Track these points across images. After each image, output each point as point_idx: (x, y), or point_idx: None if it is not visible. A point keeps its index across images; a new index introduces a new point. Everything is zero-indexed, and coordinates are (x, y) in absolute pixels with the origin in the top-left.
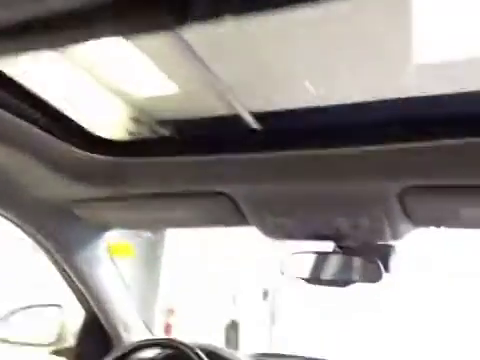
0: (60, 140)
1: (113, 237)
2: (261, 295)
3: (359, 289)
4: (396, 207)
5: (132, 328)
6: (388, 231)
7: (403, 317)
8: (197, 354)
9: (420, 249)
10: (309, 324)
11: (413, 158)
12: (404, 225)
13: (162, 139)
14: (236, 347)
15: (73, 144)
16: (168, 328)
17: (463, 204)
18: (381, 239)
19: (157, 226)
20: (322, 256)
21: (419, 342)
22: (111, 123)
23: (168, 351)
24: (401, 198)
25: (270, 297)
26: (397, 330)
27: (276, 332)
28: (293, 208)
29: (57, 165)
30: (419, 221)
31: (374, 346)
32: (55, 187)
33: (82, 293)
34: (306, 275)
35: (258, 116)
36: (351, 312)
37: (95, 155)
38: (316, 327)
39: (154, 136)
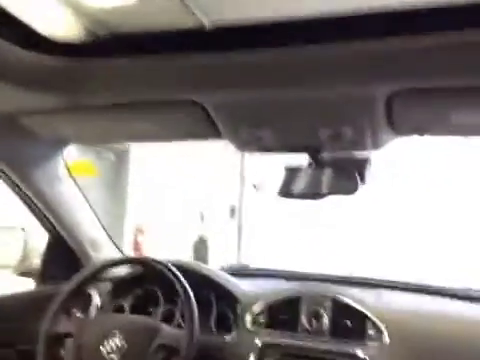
0: (1, 39)
1: (73, 156)
2: (228, 212)
3: (323, 204)
4: (381, 114)
5: (100, 247)
6: (369, 141)
7: (368, 228)
8: (170, 270)
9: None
10: (276, 239)
11: (403, 57)
12: (386, 134)
13: (121, 40)
14: (205, 263)
15: (18, 44)
16: (137, 246)
17: (454, 108)
18: (361, 149)
19: (120, 140)
20: (296, 169)
21: (380, 253)
22: (61, 31)
23: (140, 269)
24: (389, 104)
25: (237, 213)
26: (363, 240)
27: (244, 247)
28: (269, 118)
29: (1, 69)
30: (403, 129)
31: (338, 257)
32: (0, 96)
33: (44, 214)
34: (279, 188)
35: (222, 23)
36: (315, 227)
37: (45, 57)
38: (284, 241)
39: (111, 37)
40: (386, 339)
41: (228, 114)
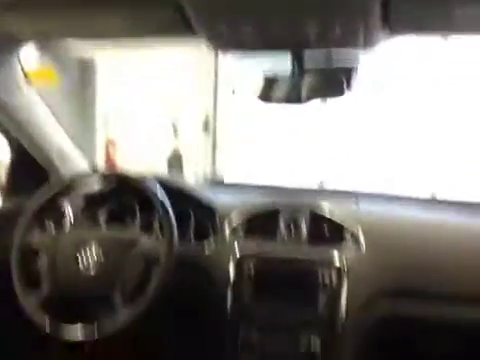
0: None
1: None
2: (202, 125)
3: (298, 116)
4: (377, 10)
5: (69, 159)
6: (361, 39)
7: (350, 141)
8: (146, 183)
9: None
10: (250, 154)
11: None
12: (381, 33)
13: None
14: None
15: None
16: (110, 161)
17: (455, 4)
18: (352, 47)
19: (83, 37)
20: (278, 73)
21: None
22: None
23: (114, 182)
24: None
25: (211, 126)
26: (346, 153)
27: (219, 161)
28: (251, 11)
29: None
30: (400, 27)
31: (317, 170)
32: None
33: (4, 126)
34: (259, 93)
35: None
36: (293, 143)
37: None
38: (261, 155)
39: None
40: (363, 247)
41: (204, 7)
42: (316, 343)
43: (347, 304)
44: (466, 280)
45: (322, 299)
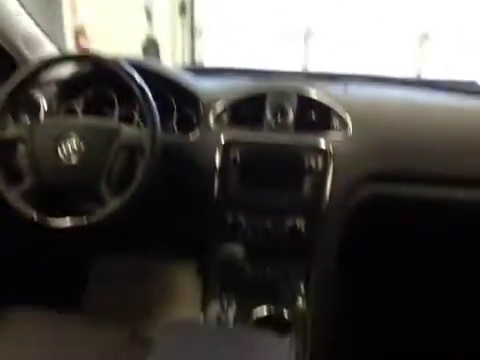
0: None
1: None
2: (177, 8)
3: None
4: None
5: (36, 45)
6: None
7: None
8: (122, 67)
9: None
10: (230, 38)
11: None
12: None
13: None
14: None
15: None
16: (81, 50)
17: None
18: None
19: None
20: None
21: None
22: None
23: (88, 68)
24: None
25: (188, 9)
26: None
27: (198, 47)
28: None
29: None
30: None
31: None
32: None
33: None
34: None
35: None
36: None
37: None
38: (236, 41)
39: None
40: (350, 131)
41: None
42: (301, 224)
43: (333, 186)
44: (452, 161)
45: (308, 182)
